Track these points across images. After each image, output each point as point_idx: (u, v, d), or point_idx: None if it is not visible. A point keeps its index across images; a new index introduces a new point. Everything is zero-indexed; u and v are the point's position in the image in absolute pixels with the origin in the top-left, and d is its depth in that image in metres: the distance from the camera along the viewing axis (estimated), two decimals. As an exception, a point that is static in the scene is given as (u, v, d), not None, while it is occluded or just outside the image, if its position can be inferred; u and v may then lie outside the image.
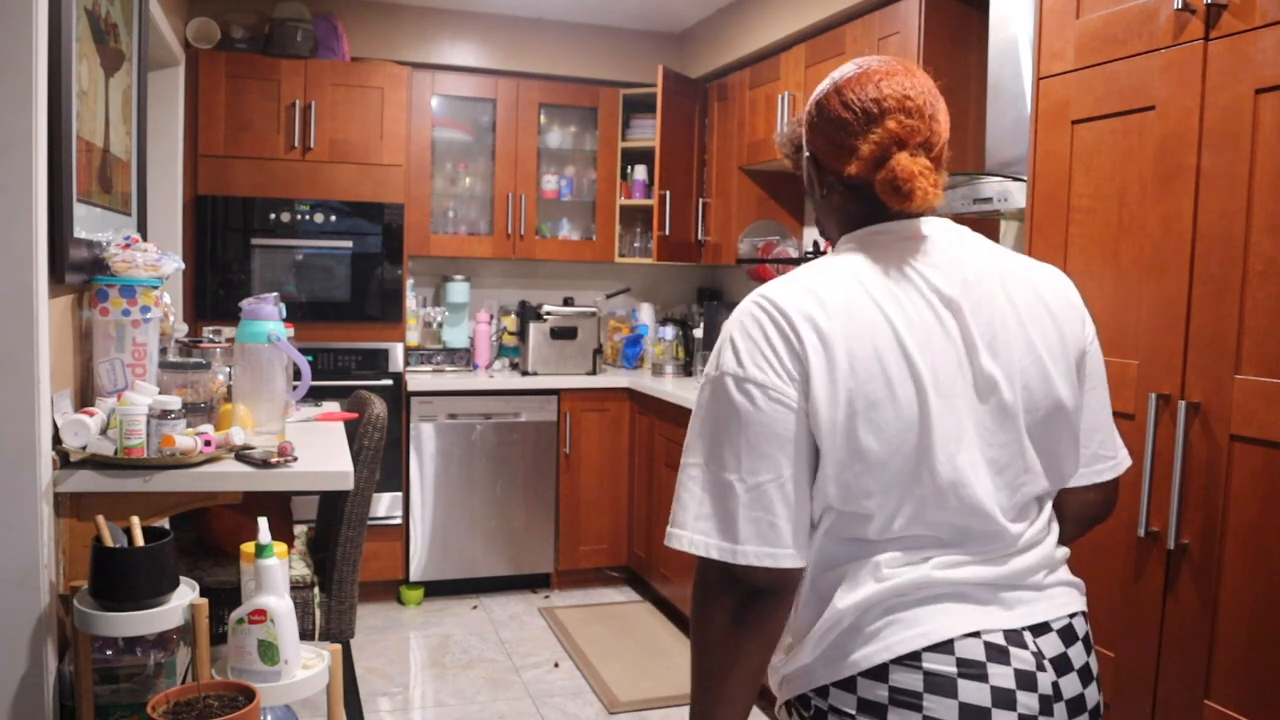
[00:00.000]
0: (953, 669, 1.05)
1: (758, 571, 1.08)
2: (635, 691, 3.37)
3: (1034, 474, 1.15)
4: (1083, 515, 1.30)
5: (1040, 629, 1.12)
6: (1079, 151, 2.03)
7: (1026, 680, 1.07)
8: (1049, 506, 1.20)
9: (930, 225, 1.18)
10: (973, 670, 1.06)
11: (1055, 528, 1.21)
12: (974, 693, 1.05)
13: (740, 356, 1.10)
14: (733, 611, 1.10)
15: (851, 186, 1.17)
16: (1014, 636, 1.09)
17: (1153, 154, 1.85)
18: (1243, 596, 1.69)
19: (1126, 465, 1.30)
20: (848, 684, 1.09)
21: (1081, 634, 1.16)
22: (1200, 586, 1.76)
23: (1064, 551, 1.21)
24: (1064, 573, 1.19)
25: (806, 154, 1.24)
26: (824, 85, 1.21)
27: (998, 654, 1.07)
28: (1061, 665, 1.12)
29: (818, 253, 3.71)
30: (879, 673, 1.07)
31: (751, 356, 1.09)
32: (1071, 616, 1.16)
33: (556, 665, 3.59)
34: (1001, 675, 1.06)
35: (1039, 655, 1.10)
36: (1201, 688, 1.75)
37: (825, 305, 1.09)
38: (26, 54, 1.77)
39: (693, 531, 1.10)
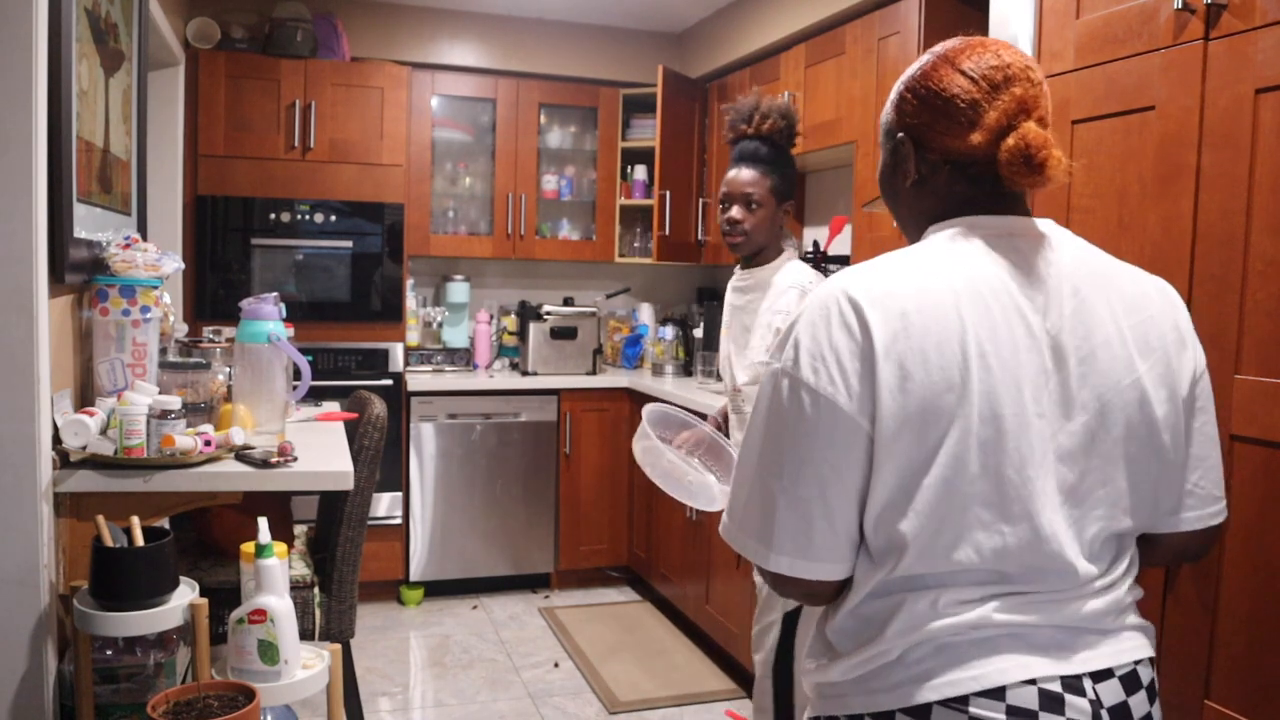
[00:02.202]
0: (1001, 717, 0.98)
1: (791, 579, 1.05)
2: (635, 691, 3.37)
3: (1118, 508, 1.06)
4: (1175, 557, 1.20)
5: (1102, 675, 1.03)
6: (1079, 151, 2.03)
7: None
8: (1131, 547, 1.11)
9: (1031, 223, 1.09)
10: (1023, 719, 0.98)
11: (1134, 570, 1.11)
12: None
13: (800, 356, 1.01)
14: (771, 581, 1.08)
15: (960, 165, 1.09)
16: (1072, 683, 1.00)
17: (1153, 154, 1.85)
18: (1243, 596, 1.69)
19: (1225, 514, 1.17)
20: (884, 717, 1.01)
21: (1146, 681, 1.06)
22: (1200, 586, 1.76)
23: (1137, 593, 1.11)
24: (1133, 616, 1.09)
25: (898, 136, 1.14)
26: (925, 61, 1.13)
27: (1051, 703, 0.99)
28: (1119, 714, 1.03)
29: (817, 252, 3.70)
30: (921, 712, 0.99)
31: (812, 359, 1.00)
32: (1137, 663, 1.06)
33: (556, 665, 3.59)
34: None
35: (1096, 703, 1.01)
36: (1201, 688, 1.75)
37: (905, 305, 1.00)
38: (26, 54, 1.77)
39: (737, 526, 1.08)
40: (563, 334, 4.45)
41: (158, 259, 2.21)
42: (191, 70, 3.84)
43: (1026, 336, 1.02)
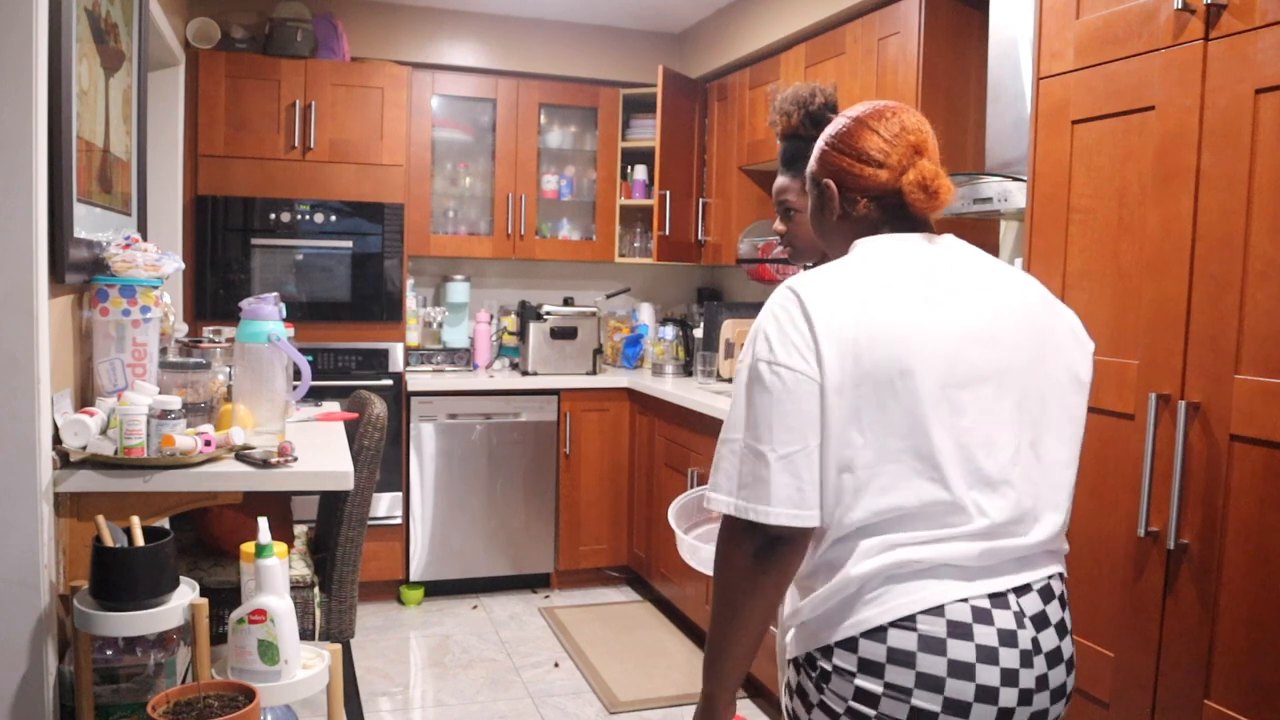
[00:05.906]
0: (942, 630, 1.21)
1: (784, 529, 1.23)
2: (635, 691, 3.37)
3: (1022, 466, 1.28)
4: None
5: (1022, 589, 1.27)
6: (1079, 152, 2.03)
7: (1008, 638, 1.23)
8: (1045, 509, 1.32)
9: (934, 238, 1.38)
10: (960, 631, 1.21)
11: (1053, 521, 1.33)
12: (961, 650, 1.20)
13: (771, 343, 1.25)
14: (754, 555, 1.25)
15: (876, 196, 1.38)
16: (998, 599, 1.25)
17: (1152, 154, 1.85)
18: (1243, 596, 1.69)
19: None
20: (849, 644, 1.23)
21: (1058, 592, 1.32)
22: (1200, 586, 1.76)
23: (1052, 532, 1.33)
24: (1048, 542, 1.32)
25: (824, 182, 1.43)
26: (846, 123, 1.42)
27: (982, 616, 1.23)
28: (1039, 621, 1.27)
29: (818, 253, 3.70)
30: (879, 634, 1.22)
31: (780, 342, 1.25)
32: (1049, 578, 1.31)
33: (556, 665, 3.59)
34: (985, 634, 1.22)
35: (1020, 614, 1.25)
36: (1201, 688, 1.75)
37: (842, 294, 1.26)
38: (26, 54, 1.77)
39: (731, 495, 1.26)
40: (563, 334, 4.45)
41: (158, 259, 2.21)
42: (191, 70, 3.83)
43: (935, 319, 1.26)
